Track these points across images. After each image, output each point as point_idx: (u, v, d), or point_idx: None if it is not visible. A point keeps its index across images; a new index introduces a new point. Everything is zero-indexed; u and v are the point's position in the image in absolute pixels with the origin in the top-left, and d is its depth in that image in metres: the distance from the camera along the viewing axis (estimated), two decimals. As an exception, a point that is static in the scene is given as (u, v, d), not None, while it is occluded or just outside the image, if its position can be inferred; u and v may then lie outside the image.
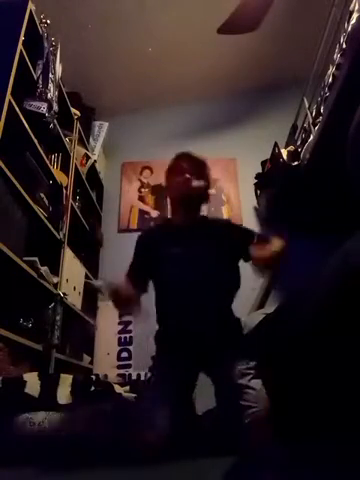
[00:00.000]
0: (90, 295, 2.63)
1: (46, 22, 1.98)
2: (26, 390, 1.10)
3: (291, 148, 2.28)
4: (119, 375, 2.49)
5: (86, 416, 1.08)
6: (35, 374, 1.18)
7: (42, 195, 1.97)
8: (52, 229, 2.04)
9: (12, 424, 1.05)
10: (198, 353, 1.23)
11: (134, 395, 1.30)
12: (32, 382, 1.13)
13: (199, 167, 1.42)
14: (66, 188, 2.33)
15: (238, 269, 1.41)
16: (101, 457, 1.01)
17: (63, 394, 1.12)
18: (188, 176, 1.36)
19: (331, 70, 1.82)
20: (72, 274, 2.26)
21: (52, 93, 1.94)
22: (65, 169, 2.40)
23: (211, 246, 1.33)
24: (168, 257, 1.33)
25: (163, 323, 1.37)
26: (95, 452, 1.02)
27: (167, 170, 1.46)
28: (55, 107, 1.97)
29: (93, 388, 1.16)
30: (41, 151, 1.94)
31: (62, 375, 1.20)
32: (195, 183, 1.36)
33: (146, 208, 3.11)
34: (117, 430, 1.05)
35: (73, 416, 1.07)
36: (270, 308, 1.59)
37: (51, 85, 1.93)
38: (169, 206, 1.54)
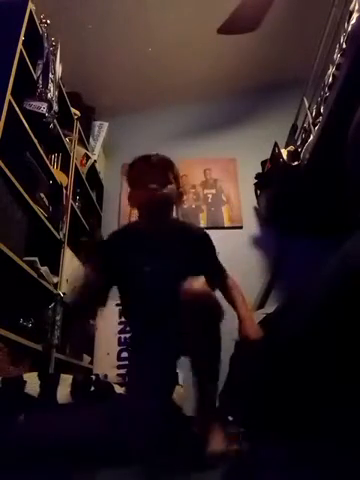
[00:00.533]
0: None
1: (46, 22, 1.98)
2: (26, 390, 1.10)
3: (291, 148, 2.28)
4: (119, 375, 2.48)
5: (86, 416, 1.08)
6: (35, 374, 1.18)
7: (42, 195, 1.97)
8: (52, 229, 2.04)
9: (12, 424, 1.05)
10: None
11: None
12: (32, 382, 1.13)
13: (164, 170, 1.24)
14: (66, 188, 2.33)
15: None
16: (101, 457, 1.01)
17: (63, 394, 1.12)
18: (153, 186, 1.20)
19: (331, 70, 1.82)
20: (72, 274, 2.26)
21: (52, 93, 1.94)
22: (65, 169, 2.40)
23: (177, 258, 1.23)
24: (134, 268, 1.23)
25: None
26: (95, 452, 1.03)
27: (127, 178, 1.29)
28: (55, 107, 1.97)
29: (93, 388, 1.16)
30: (41, 151, 1.94)
31: (62, 375, 1.20)
32: (162, 192, 1.21)
33: (146, 208, 3.11)
34: (117, 430, 1.05)
35: (73, 416, 1.07)
36: (270, 308, 1.59)
37: (51, 85, 1.94)
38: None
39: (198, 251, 1.29)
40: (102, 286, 1.22)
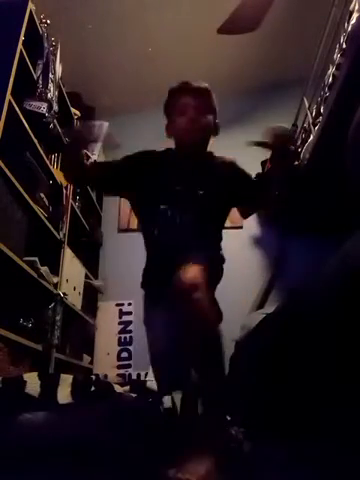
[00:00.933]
0: (90, 295, 2.64)
1: (46, 22, 1.98)
2: (26, 390, 1.10)
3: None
4: (119, 375, 2.49)
5: (87, 416, 1.08)
6: (35, 374, 1.18)
7: (42, 195, 1.97)
8: (52, 229, 2.04)
9: (12, 424, 1.05)
10: None
11: (134, 395, 1.30)
12: (32, 382, 1.13)
13: (203, 97, 1.21)
14: (66, 188, 2.33)
15: (225, 219, 1.33)
16: (102, 457, 1.01)
17: (63, 394, 1.12)
18: (192, 116, 1.17)
19: (331, 70, 1.82)
20: (72, 274, 2.26)
21: (52, 93, 1.94)
22: (65, 169, 2.40)
23: (211, 188, 1.19)
24: (166, 187, 1.19)
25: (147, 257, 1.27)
26: (96, 452, 1.03)
27: (165, 105, 1.27)
28: (55, 107, 1.97)
29: (93, 388, 1.16)
30: (41, 151, 1.94)
31: (62, 375, 1.20)
32: (201, 122, 1.19)
33: (146, 208, 3.11)
34: (118, 430, 1.05)
35: (74, 416, 1.07)
36: (270, 308, 1.59)
37: (51, 85, 1.94)
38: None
39: (231, 179, 1.26)
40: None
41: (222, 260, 1.24)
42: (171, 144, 1.29)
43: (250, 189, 1.29)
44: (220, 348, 0.99)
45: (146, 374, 2.33)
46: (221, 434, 0.92)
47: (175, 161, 1.26)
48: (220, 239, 1.28)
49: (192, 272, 0.97)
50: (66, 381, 1.17)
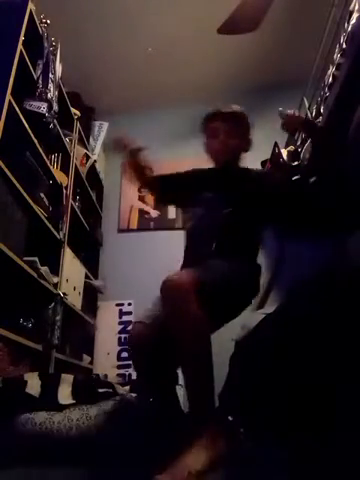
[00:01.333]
0: (90, 295, 2.64)
1: (46, 22, 1.98)
2: (27, 390, 1.10)
3: (291, 148, 2.28)
4: (119, 375, 2.49)
5: (88, 415, 1.08)
6: (35, 374, 1.18)
7: (42, 195, 1.97)
8: (52, 229, 2.04)
9: (14, 424, 1.05)
10: None
11: (134, 395, 1.30)
12: (33, 382, 1.13)
13: (234, 122, 1.43)
14: (66, 188, 2.33)
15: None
16: (104, 456, 1.02)
17: (64, 394, 1.12)
18: (222, 138, 1.40)
19: (331, 70, 1.82)
20: (72, 274, 2.26)
21: (52, 93, 1.94)
22: (65, 169, 2.40)
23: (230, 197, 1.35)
24: (199, 200, 1.41)
25: None
26: (98, 451, 1.03)
27: (204, 129, 1.50)
28: (55, 107, 1.97)
29: (94, 388, 1.16)
30: (41, 151, 1.94)
31: (63, 375, 1.20)
32: (228, 144, 1.41)
33: (146, 208, 3.11)
34: (119, 429, 1.05)
35: (75, 416, 1.07)
36: (270, 308, 1.59)
37: (51, 85, 1.93)
38: None
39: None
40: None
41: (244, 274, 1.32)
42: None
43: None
44: (199, 349, 1.01)
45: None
46: (207, 431, 0.92)
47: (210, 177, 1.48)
48: (245, 253, 1.43)
49: (179, 275, 1.03)
50: (67, 381, 1.17)
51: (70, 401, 1.11)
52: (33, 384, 1.12)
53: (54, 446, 1.03)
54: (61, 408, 1.08)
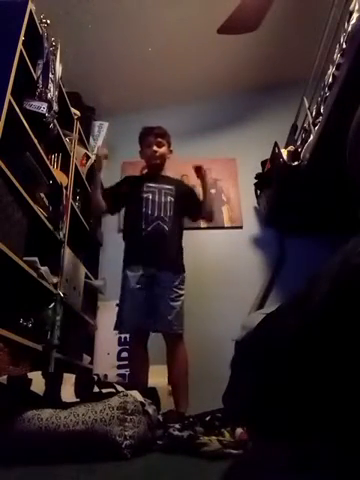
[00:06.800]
0: (90, 295, 2.64)
1: (46, 22, 1.98)
2: (32, 388, 1.10)
3: (291, 148, 2.28)
4: (119, 375, 2.48)
5: (94, 411, 1.08)
6: (39, 373, 1.19)
7: (42, 195, 1.97)
8: (52, 229, 2.04)
9: (19, 420, 1.05)
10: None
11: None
12: (37, 381, 1.14)
13: (161, 137, 2.12)
14: (66, 188, 2.33)
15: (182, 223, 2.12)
16: (107, 454, 1.02)
17: (67, 393, 1.12)
18: (154, 148, 2.09)
19: (331, 70, 1.82)
20: (72, 274, 2.26)
21: (52, 93, 1.94)
22: (65, 169, 2.40)
23: (169, 194, 2.05)
24: (138, 195, 2.02)
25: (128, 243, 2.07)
26: (99, 450, 1.03)
27: (139, 141, 2.18)
28: (55, 107, 1.97)
29: (96, 388, 1.16)
30: (41, 151, 1.94)
31: (65, 375, 1.20)
32: (159, 152, 2.11)
33: (146, 208, 3.11)
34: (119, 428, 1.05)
35: (81, 411, 1.07)
36: (270, 308, 1.59)
37: (51, 85, 1.93)
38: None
39: (183, 196, 2.11)
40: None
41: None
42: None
43: (194, 203, 2.16)
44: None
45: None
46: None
47: (145, 179, 2.16)
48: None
49: None
50: (69, 380, 1.17)
51: (74, 400, 1.11)
52: (37, 383, 1.13)
53: (61, 442, 1.03)
54: (66, 406, 1.09)
